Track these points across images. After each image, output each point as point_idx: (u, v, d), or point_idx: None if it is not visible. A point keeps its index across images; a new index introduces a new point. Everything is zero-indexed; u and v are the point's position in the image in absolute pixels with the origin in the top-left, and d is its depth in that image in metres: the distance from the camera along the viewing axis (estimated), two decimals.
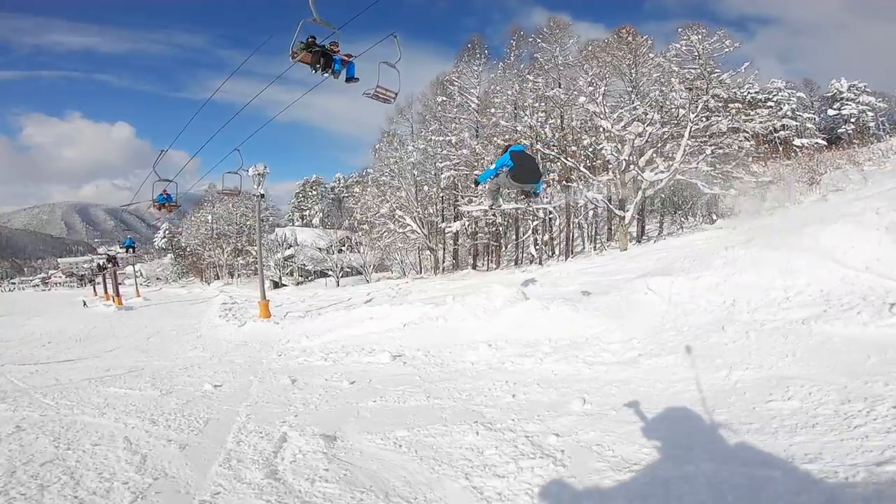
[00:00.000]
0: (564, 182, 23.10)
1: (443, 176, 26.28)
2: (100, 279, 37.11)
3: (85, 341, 11.79)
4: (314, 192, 65.65)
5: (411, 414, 4.13)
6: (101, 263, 33.82)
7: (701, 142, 20.48)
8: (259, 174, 14.73)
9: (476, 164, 24.80)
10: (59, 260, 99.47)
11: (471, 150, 25.27)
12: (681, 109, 20.18)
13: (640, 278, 7.24)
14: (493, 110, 24.50)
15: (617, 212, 20.68)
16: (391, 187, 28.07)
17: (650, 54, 23.33)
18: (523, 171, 6.66)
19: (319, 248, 39.60)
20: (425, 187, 27.54)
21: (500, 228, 26.79)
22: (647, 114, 20.63)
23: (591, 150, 22.33)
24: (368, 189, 28.98)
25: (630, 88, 23.09)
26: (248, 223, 49.36)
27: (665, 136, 20.98)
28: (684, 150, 19.78)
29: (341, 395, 4.98)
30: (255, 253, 43.83)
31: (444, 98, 27.55)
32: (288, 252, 41.85)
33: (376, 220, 28.26)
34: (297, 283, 37.65)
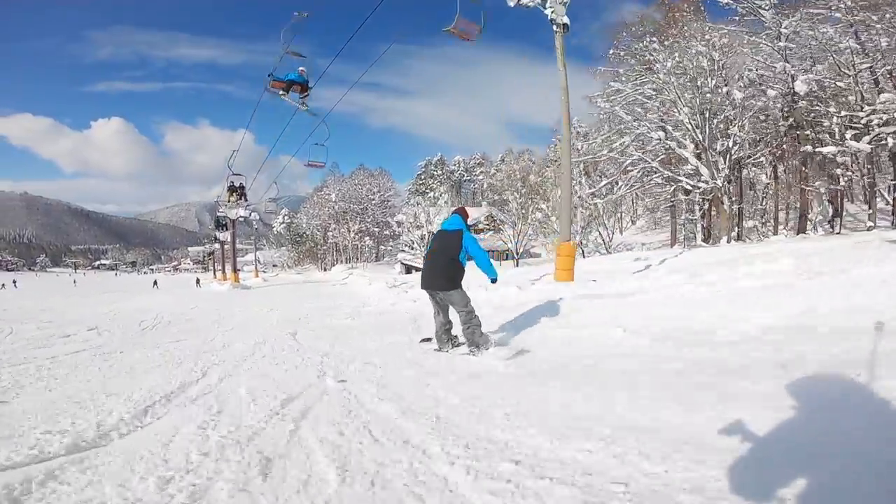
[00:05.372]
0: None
1: (800, 79, 14.63)
2: (218, 263, 32.81)
3: (153, 329, 6.84)
4: (439, 172, 58.20)
5: None
6: (215, 236, 29.08)
7: None
8: None
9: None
10: (188, 249, 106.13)
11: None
12: None
13: None
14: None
15: None
16: (638, 115, 17.72)
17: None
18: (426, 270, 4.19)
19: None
20: (755, 101, 15.74)
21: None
22: None
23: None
24: (603, 118, 18.76)
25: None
26: (373, 202, 42.88)
27: None
28: None
29: None
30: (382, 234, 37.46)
31: None
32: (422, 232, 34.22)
33: (614, 158, 18.10)
34: None
